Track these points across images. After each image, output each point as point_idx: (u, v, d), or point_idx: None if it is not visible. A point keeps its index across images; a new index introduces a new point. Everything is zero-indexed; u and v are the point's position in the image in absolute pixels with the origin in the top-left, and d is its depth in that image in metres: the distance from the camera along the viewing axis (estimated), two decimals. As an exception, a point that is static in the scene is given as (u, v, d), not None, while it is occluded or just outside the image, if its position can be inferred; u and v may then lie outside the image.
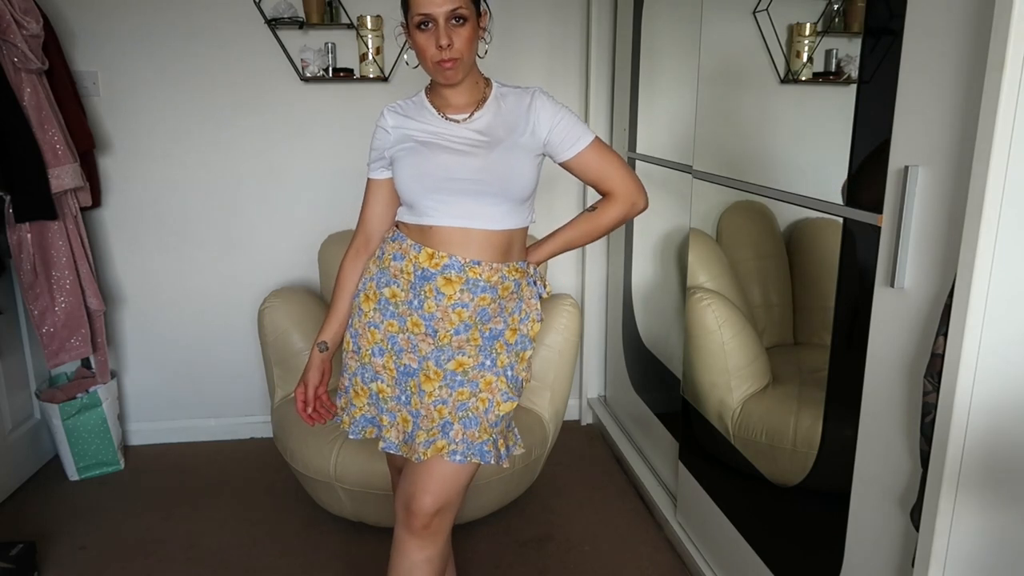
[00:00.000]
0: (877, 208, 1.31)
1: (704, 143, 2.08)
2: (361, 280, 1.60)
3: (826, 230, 1.99)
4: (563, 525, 2.40)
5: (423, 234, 1.50)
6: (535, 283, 1.61)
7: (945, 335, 1.13)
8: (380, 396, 1.58)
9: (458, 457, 1.49)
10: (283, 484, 2.64)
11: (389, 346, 1.54)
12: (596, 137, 1.54)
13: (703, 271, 2.24)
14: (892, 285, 1.27)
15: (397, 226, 1.57)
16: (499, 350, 1.54)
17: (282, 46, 2.70)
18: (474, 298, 1.49)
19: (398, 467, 1.72)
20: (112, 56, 2.67)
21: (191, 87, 2.72)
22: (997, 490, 1.17)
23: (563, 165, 1.56)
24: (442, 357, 1.51)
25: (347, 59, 2.75)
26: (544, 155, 1.55)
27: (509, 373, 1.56)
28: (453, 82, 1.47)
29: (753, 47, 2.00)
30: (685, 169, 2.18)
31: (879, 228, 1.30)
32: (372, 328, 1.55)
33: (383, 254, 1.55)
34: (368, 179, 1.61)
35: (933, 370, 1.16)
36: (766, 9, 1.95)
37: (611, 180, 1.56)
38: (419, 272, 1.48)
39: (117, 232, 2.81)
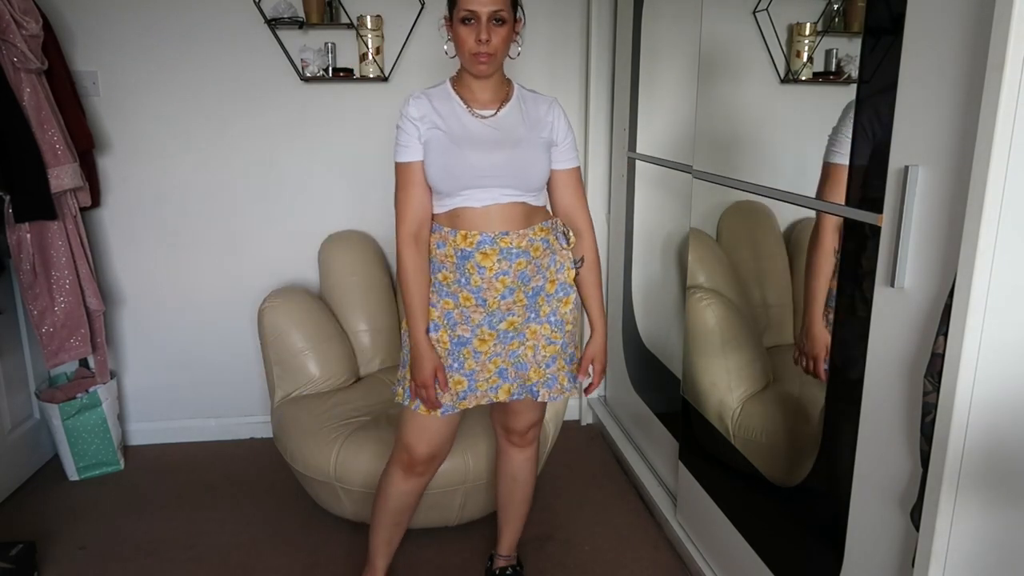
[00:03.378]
0: (877, 208, 1.31)
1: (704, 143, 2.08)
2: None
3: (826, 230, 1.99)
4: (563, 525, 2.40)
5: (452, 219, 1.68)
6: (561, 235, 1.76)
7: (945, 335, 1.13)
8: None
9: (514, 396, 1.78)
10: (283, 484, 2.64)
11: (444, 321, 1.73)
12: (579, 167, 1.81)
13: (703, 271, 2.24)
14: (892, 285, 1.27)
15: (433, 218, 1.73)
16: (541, 303, 1.75)
17: (282, 46, 2.70)
18: (511, 264, 1.67)
19: (428, 429, 1.82)
20: (112, 56, 2.67)
21: (191, 87, 2.72)
22: (997, 490, 1.17)
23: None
24: (494, 320, 1.71)
25: (347, 59, 2.75)
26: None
27: (553, 319, 1.76)
28: (485, 75, 1.64)
29: (753, 47, 2.00)
30: (685, 169, 2.18)
31: (879, 228, 1.30)
32: (429, 308, 1.73)
33: (428, 246, 1.74)
34: (401, 165, 1.69)
35: (933, 370, 1.16)
36: (766, 9, 1.95)
37: (580, 205, 1.80)
38: (459, 253, 1.67)
39: (116, 232, 2.81)
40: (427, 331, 1.71)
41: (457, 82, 1.71)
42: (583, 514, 2.46)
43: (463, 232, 1.65)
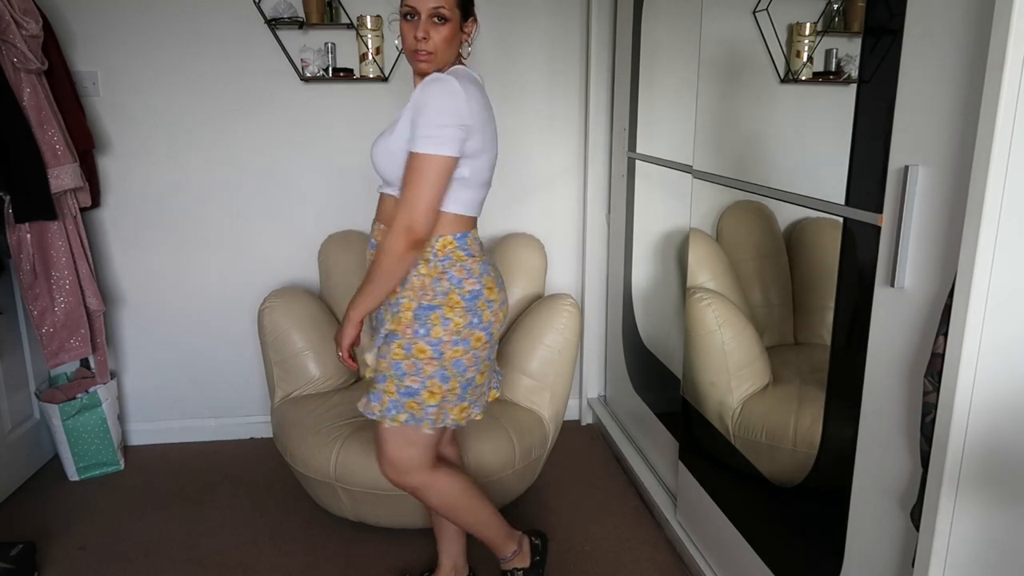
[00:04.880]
0: (877, 208, 1.31)
1: (704, 143, 2.08)
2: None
3: (826, 230, 1.99)
4: (563, 525, 2.40)
5: None
6: (423, 262, 1.63)
7: (945, 335, 1.13)
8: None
9: None
10: (283, 484, 2.64)
11: None
12: (428, 155, 1.49)
13: (703, 271, 2.24)
14: (892, 285, 1.27)
15: None
16: (385, 309, 1.70)
17: (282, 46, 2.70)
18: (369, 255, 1.72)
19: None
20: (112, 56, 2.67)
21: (191, 87, 2.72)
22: (997, 490, 1.17)
23: None
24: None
25: (347, 59, 2.75)
26: None
27: (385, 330, 1.68)
28: (423, 72, 1.61)
29: (753, 47, 2.00)
30: (685, 169, 2.18)
31: (879, 228, 1.30)
32: None
33: None
34: None
35: (933, 370, 1.16)
36: (766, 9, 1.95)
37: (401, 195, 1.54)
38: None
39: (117, 232, 2.81)
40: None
41: None
42: (583, 514, 2.47)
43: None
